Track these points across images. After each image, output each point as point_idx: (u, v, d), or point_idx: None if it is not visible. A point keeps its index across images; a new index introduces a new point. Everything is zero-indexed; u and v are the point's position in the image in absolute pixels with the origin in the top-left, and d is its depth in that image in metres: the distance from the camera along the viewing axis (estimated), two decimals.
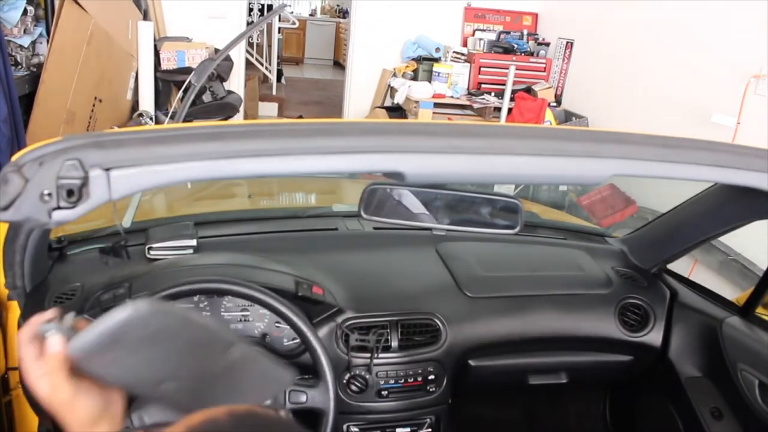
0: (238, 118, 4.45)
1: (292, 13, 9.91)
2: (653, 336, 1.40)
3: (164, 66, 4.23)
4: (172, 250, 1.28)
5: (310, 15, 11.41)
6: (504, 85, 4.27)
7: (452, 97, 4.80)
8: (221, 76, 4.30)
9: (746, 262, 2.69)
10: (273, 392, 0.94)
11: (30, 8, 3.47)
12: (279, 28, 7.53)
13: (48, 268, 1.18)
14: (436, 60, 4.92)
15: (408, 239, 1.52)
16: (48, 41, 3.51)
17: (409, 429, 1.28)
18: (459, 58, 4.99)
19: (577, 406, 1.69)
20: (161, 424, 0.92)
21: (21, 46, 3.46)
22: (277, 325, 1.21)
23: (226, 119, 4.12)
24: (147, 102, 4.18)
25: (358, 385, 1.21)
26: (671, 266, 1.50)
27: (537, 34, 5.16)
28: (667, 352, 1.41)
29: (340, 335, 1.21)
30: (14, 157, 0.56)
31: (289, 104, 6.58)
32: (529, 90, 4.63)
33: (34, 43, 3.57)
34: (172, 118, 2.75)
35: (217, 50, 4.36)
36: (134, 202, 1.46)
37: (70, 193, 0.54)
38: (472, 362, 1.33)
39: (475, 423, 1.60)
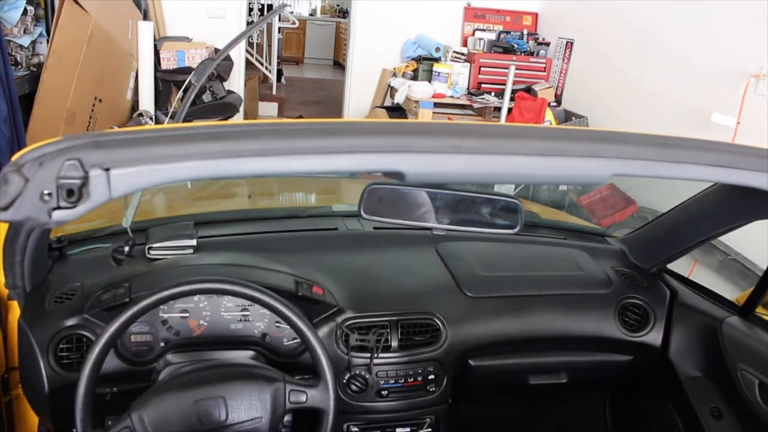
0: (238, 118, 4.45)
1: (292, 13, 9.91)
2: (653, 336, 1.40)
3: (164, 66, 4.23)
4: (172, 250, 1.28)
5: (310, 15, 11.41)
6: (504, 84, 4.27)
7: (452, 96, 4.80)
8: (221, 76, 4.30)
9: (746, 262, 2.69)
10: None
11: (30, 8, 3.47)
12: (279, 28, 7.53)
13: (48, 268, 1.18)
14: (436, 60, 4.92)
15: (408, 239, 1.52)
16: (48, 41, 3.51)
17: (409, 429, 1.28)
18: (459, 58, 4.99)
19: (577, 405, 1.69)
20: None
21: (21, 46, 3.46)
22: (277, 325, 1.21)
23: (226, 119, 4.12)
24: (147, 102, 4.18)
25: (358, 384, 1.21)
26: (671, 266, 1.50)
27: (537, 34, 5.16)
28: (667, 352, 1.40)
29: (340, 335, 1.21)
30: (14, 157, 0.56)
31: (289, 104, 6.58)
32: (529, 90, 4.63)
33: (34, 43, 3.57)
34: (172, 118, 2.75)
35: (217, 50, 4.36)
36: (134, 201, 1.45)
37: (70, 192, 0.54)
38: (472, 362, 1.33)
39: (475, 423, 1.60)
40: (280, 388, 1.00)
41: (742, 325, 1.29)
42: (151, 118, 4.01)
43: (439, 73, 4.78)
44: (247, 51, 5.69)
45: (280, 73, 7.36)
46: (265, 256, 1.26)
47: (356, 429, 1.25)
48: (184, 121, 1.78)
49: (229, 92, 4.42)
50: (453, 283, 1.36)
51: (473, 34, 5.17)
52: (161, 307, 1.12)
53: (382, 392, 1.22)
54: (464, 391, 1.36)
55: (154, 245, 1.27)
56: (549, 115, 4.30)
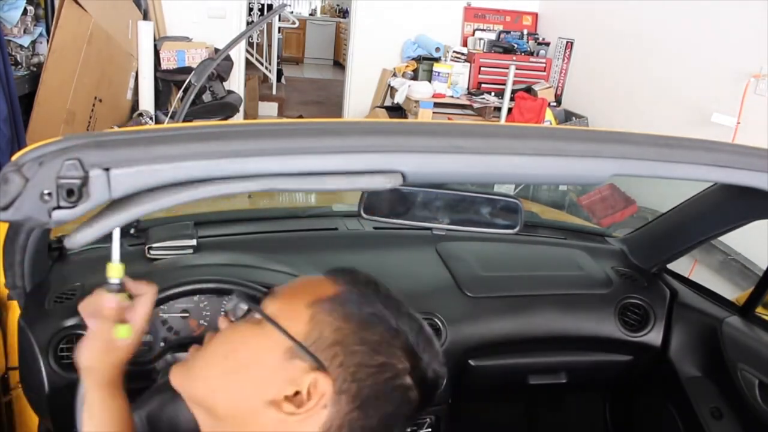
0: (238, 118, 4.45)
1: (292, 12, 9.91)
2: (653, 336, 1.40)
3: (164, 66, 4.23)
4: (171, 250, 1.27)
5: (310, 15, 11.41)
6: (504, 84, 4.27)
7: (452, 96, 4.80)
8: (221, 76, 4.30)
9: (746, 262, 2.69)
10: None
11: (30, 8, 3.48)
12: (279, 28, 7.53)
13: (48, 268, 1.18)
14: (436, 60, 4.92)
15: (408, 239, 1.52)
16: (48, 41, 3.51)
17: (408, 429, 1.28)
18: (459, 58, 4.99)
19: (577, 405, 1.69)
20: None
21: (21, 46, 3.46)
22: None
23: (226, 119, 4.12)
24: (147, 102, 4.19)
25: None
26: (671, 266, 1.50)
27: (537, 34, 5.16)
28: (667, 352, 1.40)
29: None
30: (14, 157, 0.56)
31: (289, 104, 6.58)
32: (529, 90, 4.63)
33: (34, 43, 3.58)
34: (172, 118, 2.75)
35: (217, 50, 4.36)
36: None
37: (70, 192, 0.54)
38: (472, 362, 1.33)
39: (475, 423, 1.59)
40: None
41: (742, 325, 1.29)
42: (151, 118, 4.01)
43: (439, 73, 4.79)
44: (247, 51, 5.69)
45: (280, 73, 7.36)
46: (265, 256, 1.26)
47: None
48: (184, 121, 1.78)
49: (229, 92, 4.42)
50: (453, 283, 1.36)
51: (473, 34, 5.17)
52: (161, 306, 1.11)
53: None
54: (464, 391, 1.36)
55: (154, 245, 1.27)
56: (549, 115, 4.31)
